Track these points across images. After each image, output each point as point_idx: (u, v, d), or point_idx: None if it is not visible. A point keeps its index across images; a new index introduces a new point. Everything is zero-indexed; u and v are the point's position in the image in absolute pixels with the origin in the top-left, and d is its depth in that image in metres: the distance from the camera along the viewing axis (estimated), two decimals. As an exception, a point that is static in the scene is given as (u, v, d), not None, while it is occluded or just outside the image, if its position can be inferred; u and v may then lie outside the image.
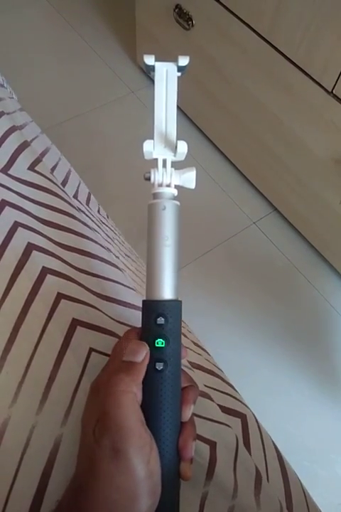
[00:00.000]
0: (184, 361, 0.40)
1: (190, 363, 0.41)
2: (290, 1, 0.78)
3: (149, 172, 0.30)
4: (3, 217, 0.37)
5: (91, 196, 0.55)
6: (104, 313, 0.37)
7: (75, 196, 0.49)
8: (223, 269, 1.07)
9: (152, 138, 0.29)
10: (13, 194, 0.39)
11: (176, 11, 1.02)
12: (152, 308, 0.28)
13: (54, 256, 0.37)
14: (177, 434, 0.28)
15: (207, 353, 0.47)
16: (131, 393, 0.25)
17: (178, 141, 0.29)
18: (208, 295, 1.02)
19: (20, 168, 0.41)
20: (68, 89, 1.33)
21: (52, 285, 0.36)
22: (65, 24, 1.50)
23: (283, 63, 0.85)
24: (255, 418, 0.41)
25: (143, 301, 0.29)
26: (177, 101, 0.31)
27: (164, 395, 0.27)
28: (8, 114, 0.47)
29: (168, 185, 0.29)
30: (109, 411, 0.24)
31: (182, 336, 0.45)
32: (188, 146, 0.29)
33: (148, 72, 0.30)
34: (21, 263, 0.36)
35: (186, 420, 0.28)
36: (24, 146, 0.43)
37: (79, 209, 0.46)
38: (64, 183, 0.49)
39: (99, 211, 0.55)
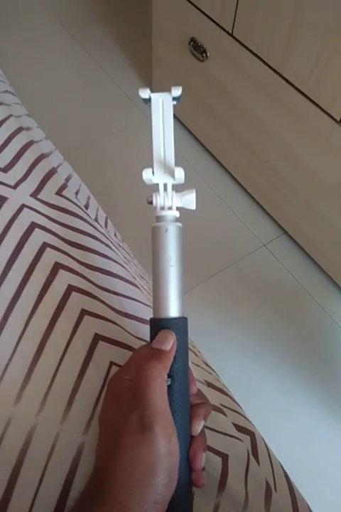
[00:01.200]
0: (199, 377, 0.42)
1: (200, 381, 0.43)
2: (300, 36, 0.82)
3: (151, 196, 0.31)
4: (33, 239, 0.41)
5: (108, 220, 0.59)
6: (124, 329, 0.39)
7: (96, 219, 0.53)
8: (233, 290, 1.09)
9: (151, 165, 0.31)
10: (42, 217, 0.42)
11: (191, 43, 1.07)
12: (159, 325, 0.30)
13: (79, 275, 0.40)
14: (188, 447, 0.29)
15: (216, 373, 0.49)
16: (161, 378, 0.27)
17: (176, 168, 0.31)
18: (218, 315, 1.04)
19: (48, 193, 0.45)
20: (84, 114, 1.39)
21: (76, 302, 0.39)
22: (82, 52, 1.58)
23: (293, 93, 0.89)
24: (262, 438, 0.43)
25: (151, 319, 0.31)
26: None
27: (173, 409, 0.28)
28: (36, 142, 0.51)
29: (170, 208, 0.31)
30: (141, 391, 0.27)
31: (193, 355, 0.47)
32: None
33: (145, 104, 0.32)
34: (49, 281, 0.39)
35: (196, 434, 0.30)
36: (52, 173, 0.47)
37: (101, 231, 0.49)
38: (86, 206, 0.52)
39: (115, 235, 0.58)
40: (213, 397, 0.41)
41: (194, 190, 0.32)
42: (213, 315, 1.04)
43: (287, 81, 0.89)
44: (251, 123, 1.04)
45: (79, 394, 0.35)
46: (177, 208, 0.32)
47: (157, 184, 0.31)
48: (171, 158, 0.31)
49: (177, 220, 0.32)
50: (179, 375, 0.29)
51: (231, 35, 0.96)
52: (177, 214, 0.32)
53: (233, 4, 0.92)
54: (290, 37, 0.84)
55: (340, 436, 0.89)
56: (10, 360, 0.35)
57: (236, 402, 0.45)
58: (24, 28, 1.64)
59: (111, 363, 0.37)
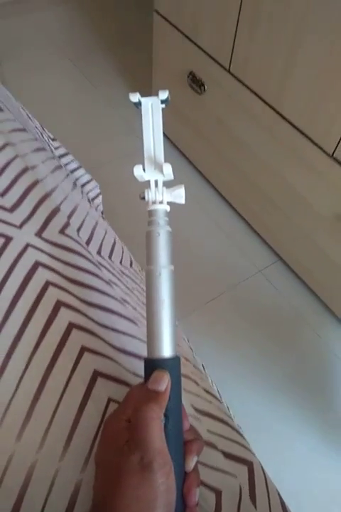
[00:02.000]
0: (189, 410, 0.43)
1: (198, 410, 0.44)
2: (294, 74, 0.86)
3: (144, 192, 0.34)
4: (36, 277, 0.43)
5: (116, 246, 0.60)
6: (121, 365, 0.41)
7: (99, 251, 0.54)
8: (229, 316, 1.11)
9: (142, 162, 0.33)
10: (46, 256, 0.45)
11: (190, 77, 1.12)
12: (153, 365, 0.31)
13: (79, 312, 0.42)
14: (182, 483, 0.30)
15: (218, 400, 0.50)
16: (158, 419, 0.29)
17: (164, 164, 0.33)
18: (214, 341, 1.05)
19: (51, 232, 0.47)
20: (84, 141, 1.43)
21: (77, 339, 0.40)
22: (83, 79, 1.63)
23: (288, 127, 0.93)
24: (261, 466, 0.44)
25: (145, 359, 0.32)
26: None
27: (168, 446, 0.29)
28: (41, 181, 0.53)
29: (161, 202, 0.33)
30: (140, 433, 0.28)
31: (194, 384, 0.48)
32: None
33: (136, 107, 0.34)
34: (51, 319, 0.41)
35: (189, 470, 0.31)
36: (55, 212, 0.49)
37: (101, 264, 0.51)
38: (89, 239, 0.54)
39: (121, 262, 0.60)
40: (207, 427, 0.42)
41: (182, 186, 0.34)
42: (209, 341, 1.05)
43: (281, 116, 0.93)
44: (247, 154, 1.08)
45: (78, 430, 0.36)
46: (168, 203, 0.34)
47: (148, 181, 0.34)
48: (161, 156, 0.34)
49: (167, 217, 0.34)
50: (173, 413, 0.30)
51: (228, 71, 1.01)
52: (168, 208, 0.34)
53: (230, 42, 0.97)
54: (284, 75, 0.88)
55: (336, 465, 0.89)
56: (12, 397, 0.36)
57: (235, 431, 0.46)
58: (26, 56, 1.69)
59: (110, 400, 0.38)
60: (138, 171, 0.33)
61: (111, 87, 1.61)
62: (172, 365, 0.31)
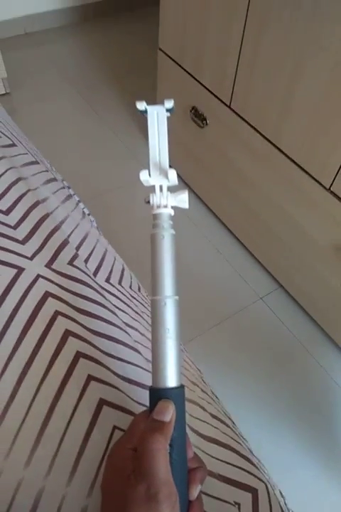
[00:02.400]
0: (195, 437, 0.45)
1: (204, 436, 0.45)
2: (291, 110, 0.90)
3: (149, 196, 0.35)
4: (46, 307, 0.45)
5: (125, 273, 0.62)
6: (126, 394, 0.42)
7: (108, 279, 0.56)
8: (231, 343, 1.12)
9: (148, 167, 0.35)
10: (55, 286, 0.47)
11: (192, 111, 1.17)
12: (158, 395, 0.31)
13: (86, 341, 0.44)
14: (186, 511, 0.31)
15: (225, 424, 0.51)
16: (164, 450, 0.29)
17: (169, 170, 0.34)
18: (215, 368, 1.06)
19: (61, 263, 0.49)
20: (90, 169, 1.48)
21: (83, 368, 0.42)
22: (90, 110, 1.69)
23: (286, 161, 0.96)
24: (268, 491, 0.44)
25: (150, 388, 0.32)
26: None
27: (173, 476, 0.30)
28: (51, 213, 0.56)
29: (166, 206, 0.34)
30: (146, 464, 0.29)
31: (201, 410, 0.50)
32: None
33: (142, 115, 0.35)
34: (59, 348, 0.43)
35: (193, 499, 0.32)
36: (64, 244, 0.52)
37: (109, 292, 0.53)
38: (98, 267, 0.56)
39: (130, 286, 0.62)
40: (212, 453, 0.43)
41: (186, 191, 0.35)
42: (211, 368, 1.06)
43: (279, 150, 0.97)
44: (248, 185, 1.11)
45: (84, 457, 0.38)
46: (172, 207, 0.35)
47: (153, 185, 0.35)
48: (166, 162, 0.35)
49: (172, 220, 0.35)
50: (177, 443, 0.31)
51: (228, 106, 1.05)
52: (172, 212, 0.35)
53: (231, 80, 1.02)
54: (282, 111, 0.92)
55: (337, 494, 0.89)
56: (22, 423, 0.38)
57: (243, 457, 0.47)
58: (35, 85, 1.76)
59: (115, 427, 0.40)
60: (144, 176, 0.34)
61: (115, 116, 1.67)
62: (177, 394, 0.32)
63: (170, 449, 0.30)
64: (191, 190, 1.41)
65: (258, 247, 1.22)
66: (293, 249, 1.07)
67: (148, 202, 0.35)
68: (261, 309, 1.19)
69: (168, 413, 0.30)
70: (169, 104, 0.34)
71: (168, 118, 0.35)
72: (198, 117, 1.15)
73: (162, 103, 0.34)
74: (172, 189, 0.36)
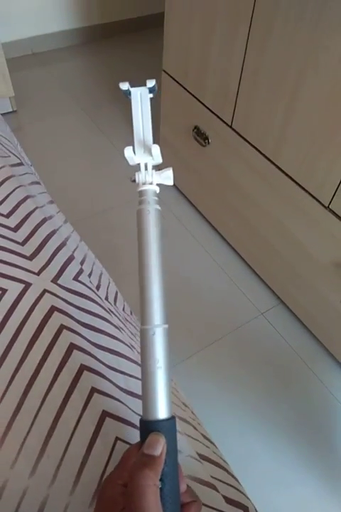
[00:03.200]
0: (193, 453, 0.46)
1: (199, 454, 0.47)
2: (291, 130, 0.93)
3: (134, 175, 0.35)
4: (52, 321, 0.46)
5: (118, 294, 0.65)
6: (128, 407, 0.44)
7: (106, 298, 0.59)
8: (231, 358, 1.12)
9: (132, 144, 0.35)
10: (61, 301, 0.49)
11: (195, 130, 1.20)
12: (149, 428, 0.30)
13: (90, 355, 0.46)
14: None
15: (215, 445, 0.53)
16: (154, 486, 0.28)
17: (152, 146, 0.34)
18: (216, 383, 1.07)
19: (66, 279, 0.51)
20: (95, 187, 1.51)
21: (87, 380, 0.44)
22: (96, 130, 1.73)
23: (286, 180, 0.99)
24: (255, 509, 0.45)
25: (140, 421, 0.31)
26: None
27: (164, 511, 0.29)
28: (57, 230, 0.58)
29: (151, 183, 0.35)
30: (136, 501, 0.28)
31: (192, 429, 0.51)
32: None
33: (126, 96, 0.36)
34: (64, 360, 0.44)
35: None
36: (70, 259, 0.54)
37: (110, 310, 0.55)
38: (98, 286, 0.58)
39: (123, 309, 0.64)
40: (208, 471, 0.45)
41: (170, 168, 0.36)
42: (211, 383, 1.06)
43: (280, 169, 0.99)
44: (248, 202, 1.14)
45: (87, 467, 0.39)
46: (158, 184, 0.35)
47: (139, 164, 0.36)
48: (149, 140, 0.35)
49: (156, 198, 0.35)
50: (169, 477, 0.30)
51: (230, 127, 1.08)
52: (157, 189, 0.35)
53: (232, 101, 1.05)
54: (282, 132, 0.95)
55: (339, 510, 0.88)
56: (27, 434, 0.39)
57: (232, 476, 0.48)
58: (42, 105, 1.81)
59: (117, 439, 0.41)
60: (128, 152, 0.34)
61: (119, 134, 1.71)
62: (168, 426, 0.31)
63: (162, 483, 0.29)
64: (193, 206, 1.43)
65: (259, 263, 1.24)
66: (292, 265, 1.09)
67: (134, 180, 0.35)
68: (262, 325, 1.20)
69: (159, 447, 0.29)
70: (151, 83, 0.35)
71: (151, 99, 0.36)
72: (200, 136, 1.19)
73: (144, 84, 0.35)
74: (157, 168, 0.37)
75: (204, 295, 1.24)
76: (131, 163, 0.35)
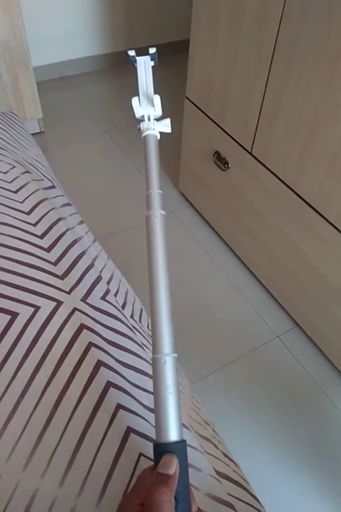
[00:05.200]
0: (211, 471, 0.47)
1: (218, 472, 0.48)
2: (310, 160, 0.95)
3: (140, 124, 0.44)
4: (81, 338, 0.49)
5: (143, 311, 0.67)
6: (151, 424, 0.46)
7: (132, 315, 0.61)
8: (246, 380, 1.13)
9: (138, 97, 0.45)
10: (90, 319, 0.51)
11: (215, 155, 1.23)
12: (162, 450, 0.32)
13: (116, 372, 0.48)
14: None
15: (236, 464, 0.54)
16: (170, 502, 0.30)
17: (154, 96, 0.44)
18: (231, 404, 1.07)
19: (95, 298, 0.54)
20: (117, 206, 1.55)
21: (113, 397, 0.46)
22: (118, 150, 1.79)
23: (304, 207, 1.00)
24: None
25: (154, 444, 0.33)
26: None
27: None
28: (86, 251, 0.62)
29: (153, 130, 0.44)
30: None
31: (213, 447, 0.52)
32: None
33: (132, 63, 0.45)
34: (92, 377, 0.47)
35: None
36: (98, 280, 0.57)
37: (134, 327, 0.57)
38: (124, 304, 0.61)
39: (148, 326, 0.66)
40: (226, 489, 0.46)
41: (168, 118, 0.45)
42: (227, 403, 1.07)
43: (299, 196, 1.01)
44: (267, 226, 1.15)
45: (112, 481, 0.41)
46: (159, 132, 0.45)
47: (143, 116, 0.45)
48: (152, 94, 0.45)
49: (157, 134, 0.45)
50: (182, 496, 0.31)
51: (250, 153, 1.11)
52: (158, 135, 0.44)
53: (252, 129, 1.08)
54: (301, 160, 0.98)
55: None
56: (57, 446, 0.42)
57: (252, 495, 0.49)
58: (68, 127, 1.89)
59: (140, 454, 0.43)
60: (135, 101, 0.44)
61: (140, 156, 1.76)
62: (180, 448, 0.33)
63: (176, 502, 0.31)
64: (211, 228, 1.46)
65: (276, 286, 1.25)
66: (309, 289, 1.10)
67: (139, 129, 0.44)
68: (278, 347, 1.21)
69: (172, 466, 0.31)
70: (152, 51, 0.44)
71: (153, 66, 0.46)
72: (220, 161, 1.22)
73: (147, 53, 0.45)
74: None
75: (220, 316, 1.26)
76: (136, 114, 0.45)
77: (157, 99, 0.44)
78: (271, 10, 0.91)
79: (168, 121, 0.45)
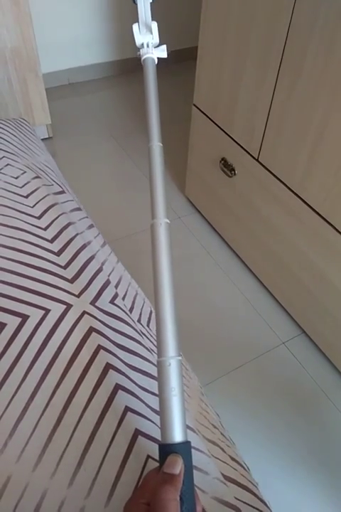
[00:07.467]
0: (218, 475, 0.47)
1: (225, 476, 0.48)
2: (316, 167, 0.96)
3: (139, 51, 0.51)
4: (90, 341, 0.50)
5: (152, 315, 0.67)
6: (159, 427, 0.46)
7: (139, 319, 0.62)
8: (252, 386, 1.13)
9: (138, 24, 0.52)
10: (98, 322, 0.52)
11: (222, 162, 1.24)
12: (167, 450, 0.33)
13: (124, 375, 0.49)
14: None
15: (244, 468, 0.54)
16: (175, 500, 0.31)
17: (152, 23, 0.51)
18: (236, 409, 1.07)
19: (104, 302, 0.55)
20: (124, 211, 1.57)
21: (121, 399, 0.47)
22: (125, 157, 1.81)
23: (311, 214, 1.01)
24: None
25: (159, 445, 0.34)
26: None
27: None
28: (95, 255, 0.63)
29: (152, 54, 0.50)
30: None
31: (221, 451, 0.52)
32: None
33: (133, 1, 0.52)
34: (100, 379, 0.47)
35: None
36: (106, 284, 0.58)
37: (142, 332, 0.58)
38: (131, 308, 0.61)
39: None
40: (233, 493, 0.46)
41: (165, 45, 0.51)
42: (232, 409, 1.07)
43: (305, 202, 1.01)
44: (273, 233, 1.16)
45: (121, 482, 0.41)
46: (157, 58, 0.51)
47: (142, 44, 0.51)
48: (149, 22, 0.52)
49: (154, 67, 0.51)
50: (187, 496, 0.32)
51: (257, 160, 1.12)
52: (155, 59, 0.51)
53: (259, 136, 1.09)
54: (307, 167, 0.98)
55: None
56: (66, 446, 0.42)
57: (260, 500, 0.49)
58: (76, 132, 1.91)
59: (148, 457, 0.43)
60: (136, 27, 0.51)
61: (146, 162, 1.77)
62: (185, 449, 0.33)
63: (181, 502, 0.31)
64: (217, 234, 1.47)
65: (282, 292, 1.25)
66: (316, 296, 1.10)
67: (139, 55, 0.51)
68: (283, 354, 1.20)
69: (178, 466, 0.32)
70: None
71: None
72: (227, 168, 1.23)
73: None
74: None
75: (227, 322, 1.26)
76: (137, 41, 0.51)
77: (154, 25, 0.50)
78: (279, 17, 0.92)
79: (164, 47, 0.51)
